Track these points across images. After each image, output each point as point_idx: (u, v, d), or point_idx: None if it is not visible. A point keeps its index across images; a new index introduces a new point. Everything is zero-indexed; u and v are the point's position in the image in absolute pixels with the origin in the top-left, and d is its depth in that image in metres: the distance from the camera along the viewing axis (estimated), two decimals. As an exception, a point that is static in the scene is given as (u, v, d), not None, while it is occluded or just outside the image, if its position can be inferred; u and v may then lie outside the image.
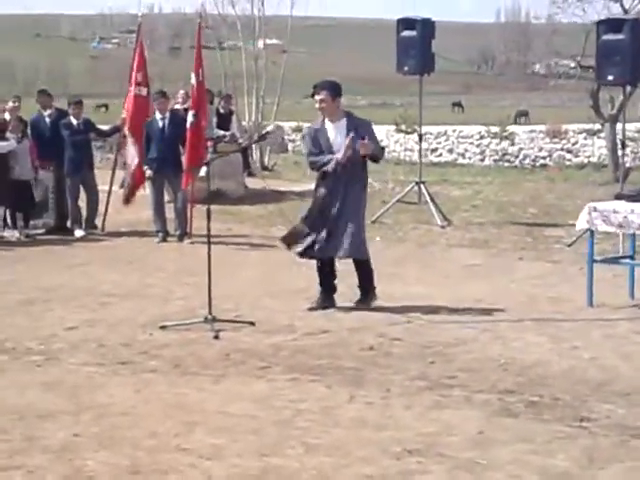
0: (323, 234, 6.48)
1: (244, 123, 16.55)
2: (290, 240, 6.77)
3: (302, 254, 6.70)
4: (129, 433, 4.16)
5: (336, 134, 6.53)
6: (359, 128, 6.53)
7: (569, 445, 4.05)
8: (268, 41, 18.48)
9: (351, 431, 4.24)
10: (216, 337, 5.95)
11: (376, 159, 6.80)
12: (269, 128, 15.34)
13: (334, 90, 6.61)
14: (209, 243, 6.44)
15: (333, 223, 6.47)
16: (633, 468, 3.72)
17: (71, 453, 3.91)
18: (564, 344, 5.93)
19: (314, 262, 6.77)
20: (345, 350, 5.79)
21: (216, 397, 4.82)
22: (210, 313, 6.12)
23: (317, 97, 6.59)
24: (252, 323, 6.28)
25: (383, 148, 7.75)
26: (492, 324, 6.48)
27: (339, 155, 6.32)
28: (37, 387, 5.00)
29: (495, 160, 19.66)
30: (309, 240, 6.56)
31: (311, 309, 6.65)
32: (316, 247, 6.52)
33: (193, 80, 10.05)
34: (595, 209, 6.83)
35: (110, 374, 5.27)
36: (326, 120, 6.61)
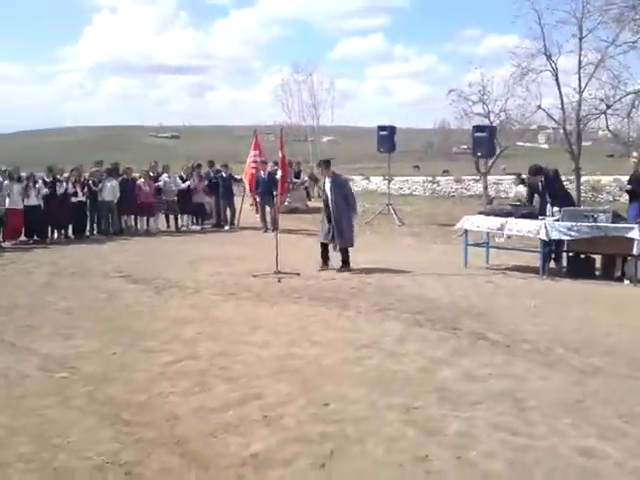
0: (330, 234, 11.60)
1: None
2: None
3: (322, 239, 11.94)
4: (225, 332, 7.27)
5: (327, 184, 11.76)
6: (336, 182, 11.73)
7: (446, 344, 6.85)
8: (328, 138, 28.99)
9: (336, 334, 7.20)
10: (279, 281, 10.45)
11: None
12: (302, 178, 24.68)
13: (326, 164, 11.93)
14: (276, 233, 11.83)
15: (333, 229, 11.55)
16: (476, 358, 6.32)
17: (194, 343, 6.82)
18: (450, 287, 10.07)
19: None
20: (341, 289, 9.92)
21: (272, 313, 8.29)
22: (277, 268, 11.01)
23: (321, 167, 12.16)
24: (298, 274, 11.01)
25: (353, 197, 12.29)
26: (415, 276, 10.99)
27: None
28: (187, 306, 8.78)
29: (430, 193, 34.34)
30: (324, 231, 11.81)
31: (319, 270, 11.55)
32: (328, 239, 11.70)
33: (280, 155, 16.53)
34: (467, 219, 12.12)
35: (224, 300, 9.16)
36: (325, 177, 11.89)
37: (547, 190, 11.62)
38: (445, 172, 43.92)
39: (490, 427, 4.82)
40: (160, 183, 18.02)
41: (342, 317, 8.15)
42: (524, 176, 12.72)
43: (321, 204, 12.63)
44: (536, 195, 11.97)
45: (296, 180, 23.82)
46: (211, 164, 20.02)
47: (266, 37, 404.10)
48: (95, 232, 16.99)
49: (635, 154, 11.84)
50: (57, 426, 4.83)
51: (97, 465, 4.24)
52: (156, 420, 4.92)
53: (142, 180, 17.63)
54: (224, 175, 19.33)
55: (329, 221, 11.68)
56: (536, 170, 11.81)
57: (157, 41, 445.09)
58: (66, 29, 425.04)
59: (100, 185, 16.64)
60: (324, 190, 11.94)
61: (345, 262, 11.69)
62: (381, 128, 20.49)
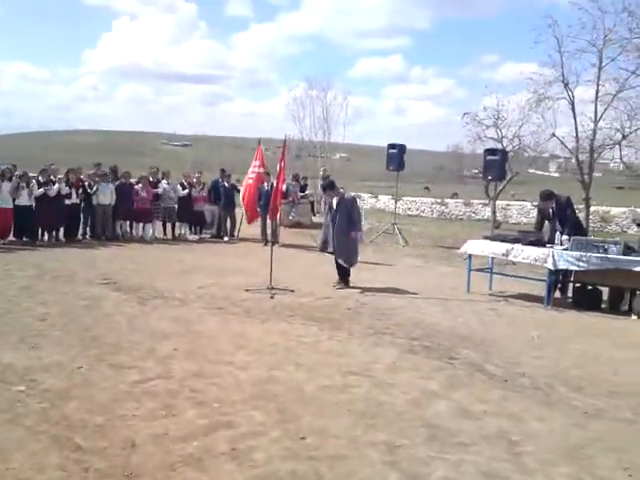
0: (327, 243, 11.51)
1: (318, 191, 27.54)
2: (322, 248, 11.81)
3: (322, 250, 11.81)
4: (206, 350, 6.82)
5: (333, 203, 11.54)
6: (341, 202, 11.47)
7: (441, 374, 6.42)
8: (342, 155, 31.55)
9: (324, 357, 6.81)
10: (272, 297, 10.09)
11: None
12: (307, 192, 24.21)
13: (331, 186, 11.68)
14: (272, 248, 11.31)
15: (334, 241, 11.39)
16: (472, 392, 5.96)
17: (168, 360, 6.35)
18: (450, 313, 9.70)
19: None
20: (336, 309, 9.54)
21: (260, 331, 7.86)
22: (271, 283, 10.69)
23: (323, 192, 12.11)
24: (293, 290, 10.67)
25: (359, 215, 12.17)
26: (415, 299, 10.65)
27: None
28: (169, 319, 8.32)
29: (438, 215, 34.75)
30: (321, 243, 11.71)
31: (338, 288, 11.25)
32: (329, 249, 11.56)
33: (278, 167, 16.83)
34: (470, 243, 11.72)
35: (210, 314, 8.73)
36: (332, 198, 11.61)
37: (558, 217, 11.17)
38: (454, 195, 44.13)
39: (480, 475, 4.35)
40: (159, 189, 17.62)
41: (333, 339, 7.75)
42: None
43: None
44: (546, 222, 11.52)
45: (302, 194, 23.49)
46: (222, 173, 19.53)
47: (284, 52, 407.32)
48: (88, 236, 16.55)
49: None
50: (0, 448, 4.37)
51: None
52: (111, 446, 4.46)
53: (140, 185, 17.20)
54: (226, 185, 18.96)
55: (329, 235, 11.57)
56: (547, 195, 11.36)
57: (175, 49, 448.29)
58: (86, 34, 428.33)
59: (95, 188, 16.22)
60: (330, 205, 11.74)
61: (343, 278, 11.48)
62: (391, 146, 20.26)
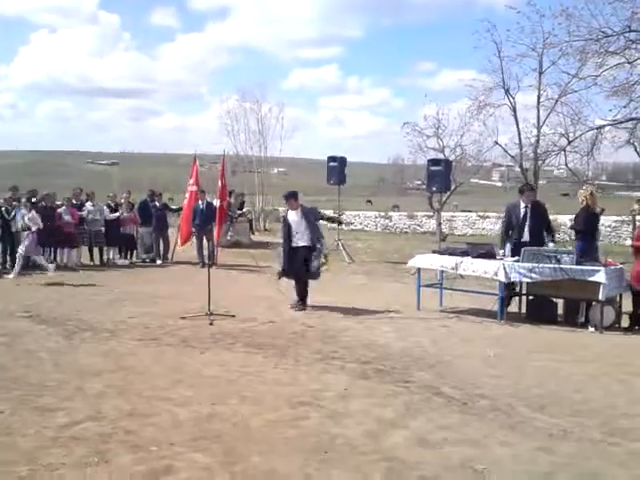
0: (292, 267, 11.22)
1: (256, 208, 30.46)
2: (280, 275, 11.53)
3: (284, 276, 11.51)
4: (139, 386, 6.53)
5: (294, 216, 11.39)
6: (308, 213, 11.41)
7: (396, 400, 6.30)
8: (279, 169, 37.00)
9: (270, 387, 6.62)
10: (211, 324, 9.83)
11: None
12: (245, 210, 24.18)
13: (293, 196, 11.54)
14: (209, 270, 10.98)
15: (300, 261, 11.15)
16: (430, 418, 5.82)
17: (99, 399, 6.09)
18: (401, 332, 9.64)
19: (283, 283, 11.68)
20: (280, 333, 9.38)
21: (198, 363, 7.57)
22: (209, 309, 10.32)
23: (289, 201, 11.58)
24: (233, 315, 10.43)
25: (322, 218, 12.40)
26: (364, 319, 10.60)
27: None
28: (99, 353, 7.99)
29: (382, 229, 35.48)
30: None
31: (297, 310, 11.12)
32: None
33: (220, 183, 17.43)
34: (418, 257, 11.76)
35: (144, 346, 8.44)
36: (290, 210, 11.50)
37: (534, 221, 11.17)
38: (395, 207, 44.26)
39: (446, 511, 4.19)
40: (84, 212, 17.12)
41: (279, 367, 7.55)
42: None
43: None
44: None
45: (239, 212, 23.23)
46: (152, 195, 19.18)
47: (214, 63, 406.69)
48: (8, 265, 15.90)
49: (582, 190, 11.45)
50: None
51: None
52: (36, 503, 4.14)
53: (63, 208, 16.65)
54: (157, 205, 18.56)
55: (290, 258, 11.31)
56: (531, 188, 11.46)
57: (98, 63, 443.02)
58: (0, 48, 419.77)
59: (13, 213, 15.63)
60: (287, 223, 11.48)
61: (303, 298, 11.39)
62: (331, 159, 20.32)
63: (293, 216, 11.47)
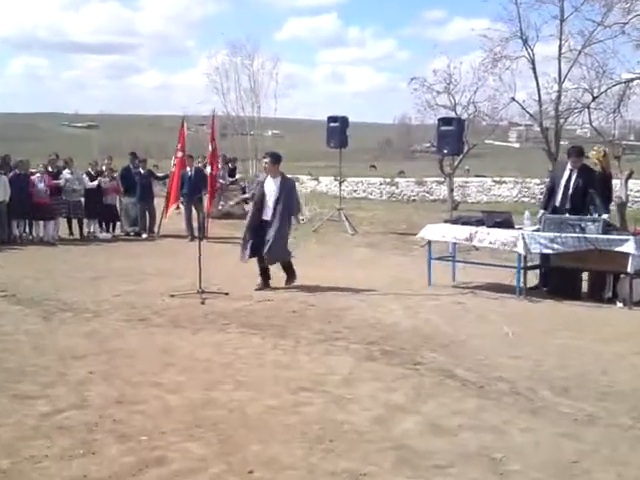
0: (259, 244, 10.87)
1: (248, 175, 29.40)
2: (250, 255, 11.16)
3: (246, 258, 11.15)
4: (126, 371, 6.59)
5: (271, 185, 11.04)
6: (286, 185, 11.06)
7: (405, 383, 6.36)
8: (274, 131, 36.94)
9: (268, 371, 6.70)
10: (202, 303, 9.83)
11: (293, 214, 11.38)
12: (237, 177, 24.54)
13: (275, 158, 11.17)
14: (199, 243, 10.72)
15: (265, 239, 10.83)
16: (443, 403, 5.86)
17: (83, 386, 6.15)
18: (410, 310, 9.66)
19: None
20: (278, 312, 9.44)
21: (190, 345, 7.66)
22: (200, 287, 10.26)
23: (264, 160, 11.32)
24: (227, 293, 10.46)
25: (299, 203, 11.97)
26: (369, 296, 10.60)
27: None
28: (81, 335, 8.07)
29: (387, 197, 35.34)
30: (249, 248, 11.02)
31: (256, 289, 10.95)
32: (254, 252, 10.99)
33: (210, 147, 17.78)
34: (428, 228, 11.66)
35: (130, 327, 8.52)
36: (268, 176, 11.11)
37: (585, 189, 10.65)
38: (401, 173, 44.10)
39: (462, 503, 4.25)
40: (60, 181, 17.09)
41: (277, 349, 7.61)
42: None
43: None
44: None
45: (231, 179, 23.16)
46: (134, 158, 19.17)
47: (200, 13, 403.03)
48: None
49: (594, 151, 11.29)
50: None
51: None
52: (18, 499, 4.20)
53: (37, 176, 16.62)
54: (142, 172, 18.52)
55: (257, 232, 10.99)
56: (581, 152, 10.96)
57: (73, 15, 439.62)
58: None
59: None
60: (261, 191, 11.08)
61: (290, 274, 11.24)
62: (331, 119, 20.13)
63: (271, 185, 11.07)
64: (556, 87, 21.83)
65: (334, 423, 5.44)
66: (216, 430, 5.25)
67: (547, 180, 11.90)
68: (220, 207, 21.19)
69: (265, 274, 11.17)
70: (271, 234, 10.86)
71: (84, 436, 5.11)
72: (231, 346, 7.72)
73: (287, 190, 11.05)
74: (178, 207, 18.35)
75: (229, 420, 5.47)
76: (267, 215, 10.99)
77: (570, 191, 10.86)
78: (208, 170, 18.04)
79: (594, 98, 20.99)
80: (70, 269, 13.08)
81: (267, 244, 10.86)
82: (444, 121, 17.42)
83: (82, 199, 17.52)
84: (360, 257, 15.25)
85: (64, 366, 6.88)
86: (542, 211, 11.10)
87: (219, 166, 20.98)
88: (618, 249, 9.80)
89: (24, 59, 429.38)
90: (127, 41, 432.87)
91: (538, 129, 23.38)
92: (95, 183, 17.75)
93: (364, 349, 7.65)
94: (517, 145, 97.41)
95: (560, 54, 21.62)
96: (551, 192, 11.28)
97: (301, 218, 11.73)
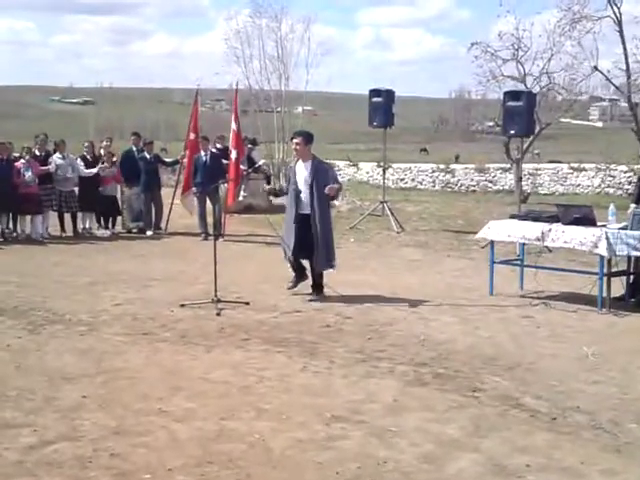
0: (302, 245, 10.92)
1: (274, 160, 28.54)
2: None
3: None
4: (126, 396, 6.66)
5: (302, 171, 11.02)
6: (320, 169, 10.98)
7: (461, 414, 6.38)
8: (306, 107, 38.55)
9: (296, 397, 6.73)
10: (218, 314, 9.94)
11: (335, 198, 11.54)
12: (260, 162, 23.46)
13: (307, 138, 11.14)
14: (215, 243, 10.87)
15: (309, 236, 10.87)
16: (508, 438, 5.87)
17: (75, 413, 6.23)
18: (468, 325, 9.69)
19: None
20: (309, 326, 9.49)
21: (203, 364, 7.72)
22: (216, 295, 10.36)
23: (294, 141, 11.26)
24: (247, 303, 10.49)
25: (340, 186, 11.70)
26: (418, 307, 10.64)
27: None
28: (73, 352, 8.12)
29: (441, 187, 34.65)
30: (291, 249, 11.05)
31: (289, 288, 11.21)
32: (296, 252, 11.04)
33: (234, 126, 17.79)
34: (491, 225, 11.58)
35: (132, 343, 8.60)
36: (299, 160, 11.14)
37: None
38: (458, 158, 43.87)
39: None
40: (50, 167, 17.28)
41: (308, 371, 7.68)
42: None
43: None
44: None
45: (255, 165, 23.11)
46: (138, 139, 19.36)
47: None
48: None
49: None
50: None
51: None
52: None
53: (23, 162, 16.83)
54: (147, 157, 18.67)
55: (297, 231, 10.95)
56: None
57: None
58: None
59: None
60: (293, 180, 11.14)
61: (319, 287, 11.23)
62: (374, 93, 20.15)
63: (302, 170, 11.06)
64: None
65: (374, 461, 5.46)
66: (232, 468, 5.29)
67: (638, 167, 11.80)
68: (241, 199, 21.18)
69: (300, 268, 11.30)
70: (315, 240, 10.86)
71: (76, 473, 5.18)
72: (252, 367, 7.79)
73: (321, 174, 10.89)
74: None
75: (248, 456, 5.51)
76: (303, 209, 10.98)
77: None
78: (234, 155, 17.98)
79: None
80: (61, 272, 13.25)
81: (314, 255, 10.92)
82: (511, 95, 17.15)
83: (76, 189, 17.77)
84: (408, 260, 15.28)
85: (53, 389, 6.98)
86: (633, 205, 11.06)
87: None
88: None
89: (6, 22, 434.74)
90: (131, 0, 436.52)
91: (626, 105, 23.22)
92: (93, 171, 17.88)
93: (412, 371, 7.71)
94: (600, 124, 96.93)
95: (654, 13, 21.43)
96: None
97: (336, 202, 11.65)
